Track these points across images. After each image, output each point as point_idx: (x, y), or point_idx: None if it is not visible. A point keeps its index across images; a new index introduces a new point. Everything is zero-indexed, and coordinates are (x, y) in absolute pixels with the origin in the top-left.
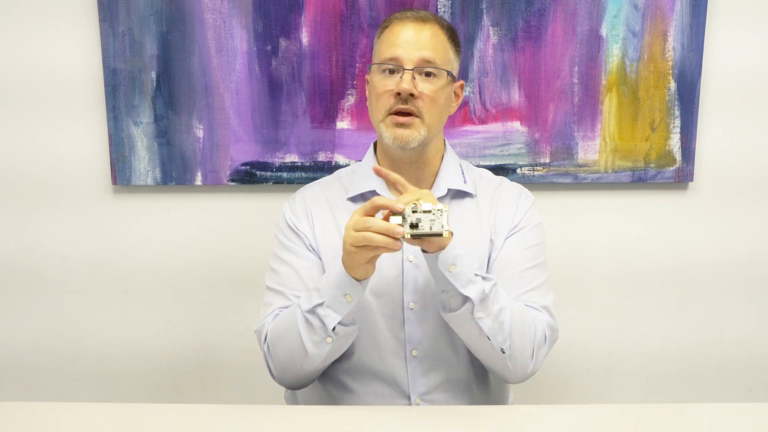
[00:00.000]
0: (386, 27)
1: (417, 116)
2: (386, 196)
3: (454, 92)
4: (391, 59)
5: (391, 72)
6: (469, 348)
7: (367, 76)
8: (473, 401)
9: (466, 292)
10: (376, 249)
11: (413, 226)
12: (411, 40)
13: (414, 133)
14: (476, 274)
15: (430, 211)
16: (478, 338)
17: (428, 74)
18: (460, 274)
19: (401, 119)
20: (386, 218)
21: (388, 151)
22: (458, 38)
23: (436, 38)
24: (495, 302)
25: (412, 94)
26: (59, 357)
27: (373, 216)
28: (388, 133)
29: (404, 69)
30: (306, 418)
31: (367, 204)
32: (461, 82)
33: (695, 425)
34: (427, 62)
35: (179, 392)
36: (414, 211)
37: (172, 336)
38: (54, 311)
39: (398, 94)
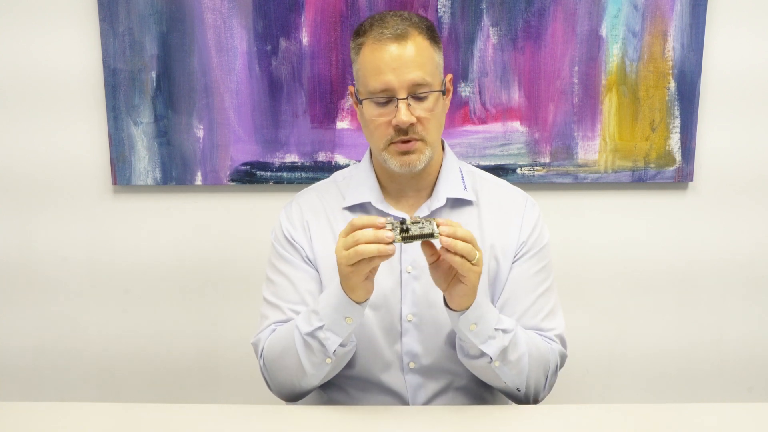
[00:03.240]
0: (363, 45)
1: (419, 140)
2: (381, 208)
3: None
4: (382, 90)
5: (383, 100)
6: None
7: (352, 90)
8: None
9: (484, 349)
10: (371, 260)
11: (404, 230)
12: (396, 64)
13: (420, 157)
14: (496, 329)
15: (418, 222)
16: (496, 380)
17: (421, 94)
18: (481, 332)
19: (405, 147)
20: None
21: (387, 169)
22: (437, 33)
23: (421, 53)
24: (514, 351)
25: (410, 123)
26: (59, 357)
27: None
28: (393, 161)
29: (398, 99)
30: (306, 418)
31: (347, 227)
32: (449, 76)
33: (695, 425)
34: (419, 85)
35: (179, 392)
36: (402, 224)
37: (172, 336)
38: (54, 311)
39: (397, 125)
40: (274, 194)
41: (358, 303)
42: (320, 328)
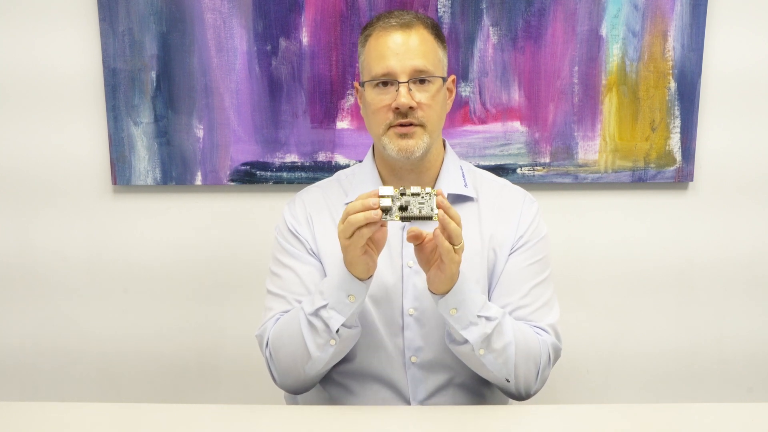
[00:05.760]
0: (369, 36)
1: (418, 125)
2: None
3: (447, 89)
4: (383, 74)
5: (385, 85)
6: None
7: (357, 86)
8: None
9: (465, 335)
10: (361, 230)
11: (402, 208)
12: (400, 50)
13: (418, 142)
14: (479, 315)
15: (418, 194)
16: (482, 369)
17: (422, 81)
18: (462, 318)
19: (404, 130)
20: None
21: (387, 159)
22: (442, 32)
23: (425, 43)
24: (499, 340)
25: (410, 107)
26: (59, 357)
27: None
28: (392, 145)
29: (399, 82)
30: (306, 418)
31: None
32: (452, 77)
33: (695, 425)
34: (420, 72)
35: (179, 392)
36: (402, 194)
37: (172, 336)
38: (54, 311)
39: (397, 108)
40: (274, 194)
41: (360, 280)
42: (324, 306)
